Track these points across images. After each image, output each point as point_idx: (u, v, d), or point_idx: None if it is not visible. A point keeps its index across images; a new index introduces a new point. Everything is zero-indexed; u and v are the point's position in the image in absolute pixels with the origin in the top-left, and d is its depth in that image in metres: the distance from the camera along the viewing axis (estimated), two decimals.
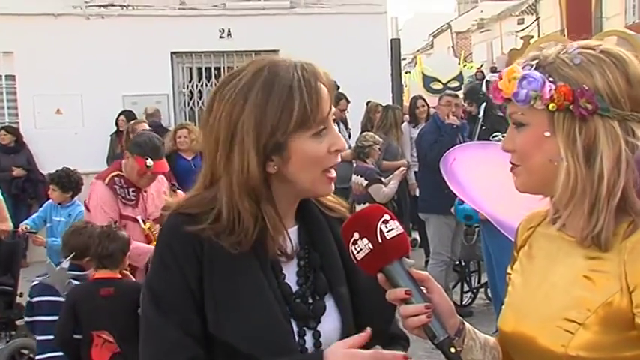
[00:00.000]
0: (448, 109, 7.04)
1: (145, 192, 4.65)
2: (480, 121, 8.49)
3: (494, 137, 6.17)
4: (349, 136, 8.88)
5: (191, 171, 6.28)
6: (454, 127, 6.96)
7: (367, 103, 9.31)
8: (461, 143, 6.87)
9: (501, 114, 9.40)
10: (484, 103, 8.86)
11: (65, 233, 4.27)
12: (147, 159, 4.49)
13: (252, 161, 1.45)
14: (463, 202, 6.11)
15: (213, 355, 1.45)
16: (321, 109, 1.47)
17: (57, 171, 6.17)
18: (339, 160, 1.54)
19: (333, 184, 1.54)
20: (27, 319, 4.05)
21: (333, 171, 1.53)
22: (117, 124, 9.74)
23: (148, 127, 8.09)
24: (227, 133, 1.47)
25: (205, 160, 1.55)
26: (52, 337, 3.81)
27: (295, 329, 1.50)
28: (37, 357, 3.95)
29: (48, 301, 4.01)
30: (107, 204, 4.47)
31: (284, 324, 1.46)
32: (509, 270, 1.65)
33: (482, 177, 1.89)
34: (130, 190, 4.56)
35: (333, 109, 1.54)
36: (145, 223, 4.53)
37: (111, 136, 9.84)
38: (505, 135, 1.54)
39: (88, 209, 4.64)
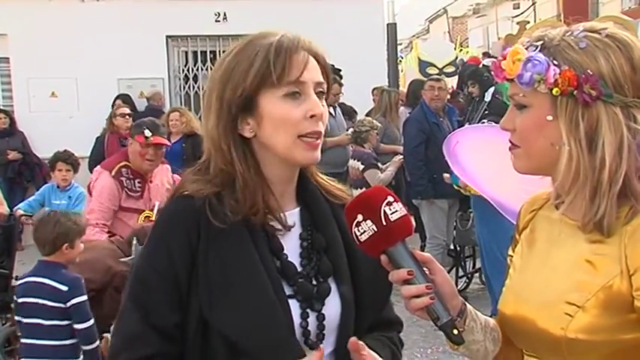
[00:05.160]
0: (431, 94, 7.07)
1: (151, 182, 4.69)
2: (485, 104, 8.46)
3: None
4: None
5: (167, 154, 6.28)
6: (440, 116, 7.02)
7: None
8: (450, 128, 6.89)
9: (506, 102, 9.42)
10: (492, 88, 8.84)
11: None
12: (144, 130, 4.56)
13: (212, 119, 1.50)
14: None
15: (207, 341, 1.44)
16: (290, 70, 1.46)
17: (65, 151, 6.13)
18: (320, 128, 1.50)
19: (316, 153, 1.51)
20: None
21: (314, 139, 1.50)
22: (113, 107, 9.72)
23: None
24: (207, 101, 1.53)
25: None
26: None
27: (298, 311, 1.49)
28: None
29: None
30: (108, 196, 4.53)
31: (281, 316, 1.44)
32: (510, 252, 1.65)
33: (485, 160, 1.89)
34: (137, 180, 4.62)
35: (318, 79, 1.50)
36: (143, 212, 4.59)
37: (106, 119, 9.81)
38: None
39: (90, 193, 4.68)
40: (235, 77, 1.47)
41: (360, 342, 1.47)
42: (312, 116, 1.48)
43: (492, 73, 1.52)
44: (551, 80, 1.37)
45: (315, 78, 1.50)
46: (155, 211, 4.60)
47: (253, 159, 1.51)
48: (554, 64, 1.38)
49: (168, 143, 4.90)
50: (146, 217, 4.61)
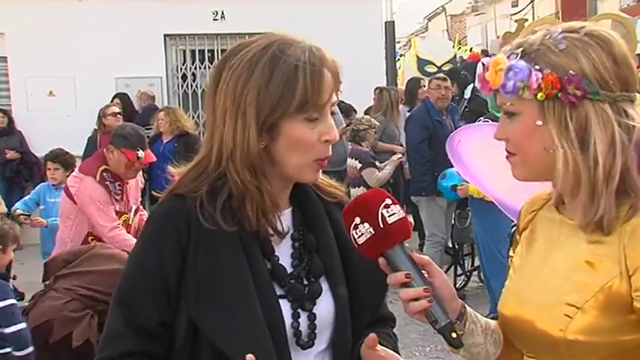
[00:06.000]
0: (437, 93, 7.07)
1: (127, 184, 4.65)
2: (465, 102, 8.49)
3: (482, 121, 6.18)
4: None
5: (159, 154, 6.33)
6: (443, 114, 7.04)
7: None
8: (452, 127, 6.90)
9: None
10: (471, 85, 8.87)
11: None
12: (137, 150, 4.49)
13: (252, 135, 1.44)
14: (444, 177, 6.18)
15: (197, 346, 1.44)
16: (321, 96, 1.45)
17: (53, 150, 6.14)
18: (330, 152, 1.51)
19: (320, 172, 1.53)
20: None
21: (324, 162, 1.51)
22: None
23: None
24: (232, 104, 1.46)
25: (209, 129, 1.53)
26: None
27: (289, 311, 1.49)
28: None
29: None
30: (105, 203, 4.44)
31: (261, 321, 1.42)
32: (510, 253, 1.65)
33: (487, 158, 1.89)
34: (117, 183, 4.55)
35: (334, 99, 1.50)
36: (122, 216, 4.55)
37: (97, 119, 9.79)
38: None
39: (74, 201, 4.55)
40: (271, 96, 1.43)
41: (380, 347, 1.48)
42: (326, 141, 1.48)
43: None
44: (535, 86, 1.36)
45: (333, 98, 1.49)
46: (131, 214, 4.60)
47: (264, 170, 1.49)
48: (536, 69, 1.37)
49: (155, 159, 4.85)
50: (124, 221, 4.56)
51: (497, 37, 16.88)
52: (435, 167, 6.66)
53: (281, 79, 1.43)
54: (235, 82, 1.46)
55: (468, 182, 5.87)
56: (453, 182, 6.08)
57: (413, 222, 8.68)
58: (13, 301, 3.65)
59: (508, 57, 1.41)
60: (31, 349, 3.63)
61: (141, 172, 4.98)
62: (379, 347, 1.49)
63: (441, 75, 7.87)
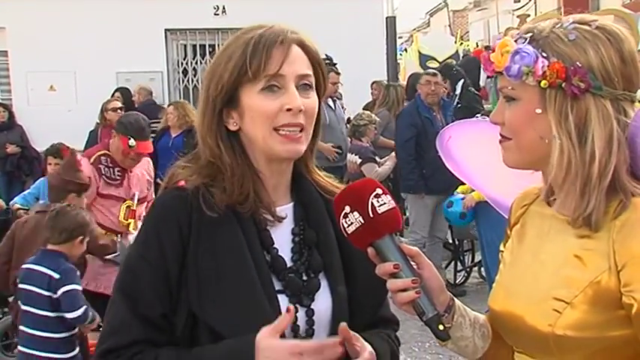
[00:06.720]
0: (427, 88, 7.01)
1: (131, 172, 4.77)
2: (457, 98, 8.44)
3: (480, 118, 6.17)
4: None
5: (167, 148, 6.38)
6: (433, 111, 6.98)
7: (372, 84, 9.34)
8: (443, 123, 6.84)
9: (477, 92, 9.41)
10: (462, 80, 8.81)
11: None
12: (129, 138, 4.62)
13: (199, 113, 1.55)
14: (451, 206, 6.18)
15: (196, 335, 1.45)
16: (267, 64, 1.46)
17: (54, 145, 6.16)
18: (300, 120, 1.48)
19: (296, 145, 1.49)
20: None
21: (293, 132, 1.48)
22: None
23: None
24: (199, 97, 1.57)
25: None
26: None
27: (287, 306, 1.48)
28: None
29: None
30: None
31: (268, 312, 1.43)
32: (501, 248, 1.64)
33: (478, 155, 1.88)
34: (116, 169, 4.70)
35: (302, 71, 1.49)
36: (125, 202, 4.67)
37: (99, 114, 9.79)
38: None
39: None
40: (217, 73, 1.50)
41: (352, 332, 1.45)
42: (288, 109, 1.47)
43: (483, 66, 1.50)
44: (540, 72, 1.35)
45: (298, 70, 1.49)
46: (135, 200, 4.71)
47: (242, 151, 1.52)
48: (543, 56, 1.36)
49: (151, 150, 4.99)
50: (127, 207, 4.68)
51: (500, 33, 16.84)
52: (424, 165, 6.62)
53: (228, 56, 1.49)
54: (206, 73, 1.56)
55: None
56: (460, 210, 6.12)
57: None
58: (76, 286, 3.73)
59: (516, 40, 1.40)
60: (98, 318, 3.72)
61: (152, 165, 5.06)
62: (359, 343, 1.44)
63: (431, 71, 7.80)
